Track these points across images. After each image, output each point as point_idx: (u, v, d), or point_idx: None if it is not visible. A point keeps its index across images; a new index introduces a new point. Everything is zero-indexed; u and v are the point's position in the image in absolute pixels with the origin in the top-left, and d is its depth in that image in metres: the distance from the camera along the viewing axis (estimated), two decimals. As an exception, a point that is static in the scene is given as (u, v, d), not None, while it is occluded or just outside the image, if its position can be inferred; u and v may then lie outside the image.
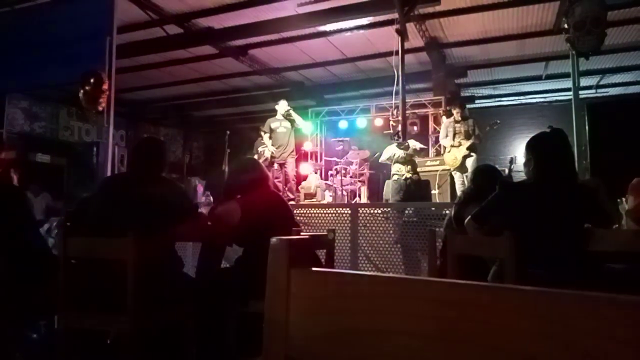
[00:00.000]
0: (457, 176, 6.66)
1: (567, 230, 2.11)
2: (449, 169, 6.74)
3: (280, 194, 5.63)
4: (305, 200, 7.79)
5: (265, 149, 7.22)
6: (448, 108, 7.75)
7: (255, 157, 6.92)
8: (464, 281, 0.43)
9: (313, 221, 4.88)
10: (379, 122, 9.48)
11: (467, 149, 6.52)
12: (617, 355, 0.34)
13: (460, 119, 6.66)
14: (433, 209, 4.68)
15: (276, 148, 7.13)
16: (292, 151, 7.26)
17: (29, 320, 2.60)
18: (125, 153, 4.92)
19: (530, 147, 2.25)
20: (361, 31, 7.60)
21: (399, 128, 6.27)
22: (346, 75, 9.90)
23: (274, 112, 7.36)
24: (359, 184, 8.25)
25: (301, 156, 9.10)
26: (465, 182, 6.23)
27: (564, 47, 5.90)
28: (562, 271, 2.00)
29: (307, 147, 9.81)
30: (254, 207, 2.58)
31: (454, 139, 6.65)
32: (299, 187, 8.02)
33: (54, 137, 10.57)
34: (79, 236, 2.16)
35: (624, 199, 3.11)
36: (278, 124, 7.18)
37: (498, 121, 7.06)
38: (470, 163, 6.45)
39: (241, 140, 8.43)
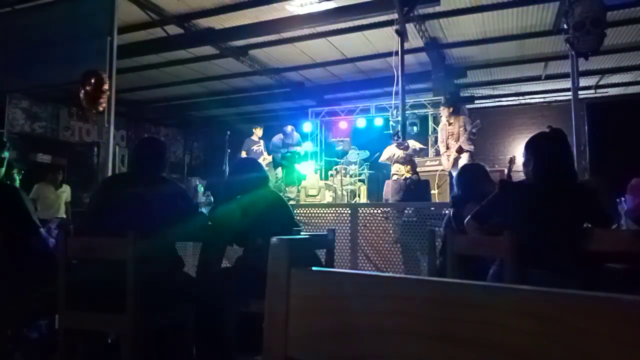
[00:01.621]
0: None
1: (567, 230, 2.11)
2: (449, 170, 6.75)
3: (281, 193, 5.64)
4: (307, 200, 7.80)
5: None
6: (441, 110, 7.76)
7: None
8: (463, 281, 0.43)
9: (313, 221, 4.87)
10: (378, 122, 9.47)
11: (456, 151, 6.52)
12: (617, 355, 0.34)
13: (448, 121, 6.66)
14: (432, 208, 4.68)
15: None
16: None
17: (29, 320, 2.60)
18: (125, 153, 4.92)
19: (530, 147, 2.25)
20: (361, 32, 7.59)
21: (399, 128, 6.27)
22: (346, 75, 9.90)
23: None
24: (359, 184, 8.24)
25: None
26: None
27: (563, 47, 5.90)
28: (562, 271, 2.00)
29: (307, 147, 9.82)
30: (254, 207, 2.59)
31: (447, 142, 6.66)
32: (299, 187, 8.04)
33: (55, 137, 10.55)
34: (79, 236, 2.16)
35: (623, 199, 3.11)
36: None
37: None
38: (464, 163, 6.45)
39: (241, 141, 8.44)
